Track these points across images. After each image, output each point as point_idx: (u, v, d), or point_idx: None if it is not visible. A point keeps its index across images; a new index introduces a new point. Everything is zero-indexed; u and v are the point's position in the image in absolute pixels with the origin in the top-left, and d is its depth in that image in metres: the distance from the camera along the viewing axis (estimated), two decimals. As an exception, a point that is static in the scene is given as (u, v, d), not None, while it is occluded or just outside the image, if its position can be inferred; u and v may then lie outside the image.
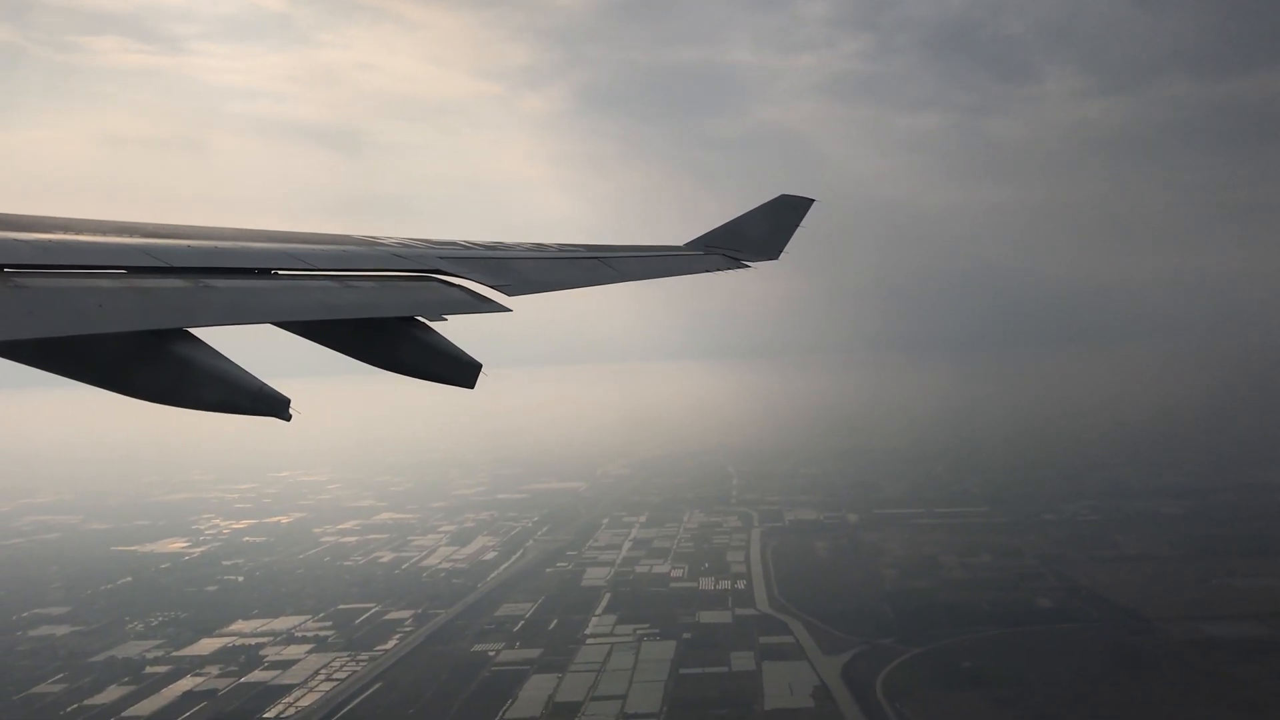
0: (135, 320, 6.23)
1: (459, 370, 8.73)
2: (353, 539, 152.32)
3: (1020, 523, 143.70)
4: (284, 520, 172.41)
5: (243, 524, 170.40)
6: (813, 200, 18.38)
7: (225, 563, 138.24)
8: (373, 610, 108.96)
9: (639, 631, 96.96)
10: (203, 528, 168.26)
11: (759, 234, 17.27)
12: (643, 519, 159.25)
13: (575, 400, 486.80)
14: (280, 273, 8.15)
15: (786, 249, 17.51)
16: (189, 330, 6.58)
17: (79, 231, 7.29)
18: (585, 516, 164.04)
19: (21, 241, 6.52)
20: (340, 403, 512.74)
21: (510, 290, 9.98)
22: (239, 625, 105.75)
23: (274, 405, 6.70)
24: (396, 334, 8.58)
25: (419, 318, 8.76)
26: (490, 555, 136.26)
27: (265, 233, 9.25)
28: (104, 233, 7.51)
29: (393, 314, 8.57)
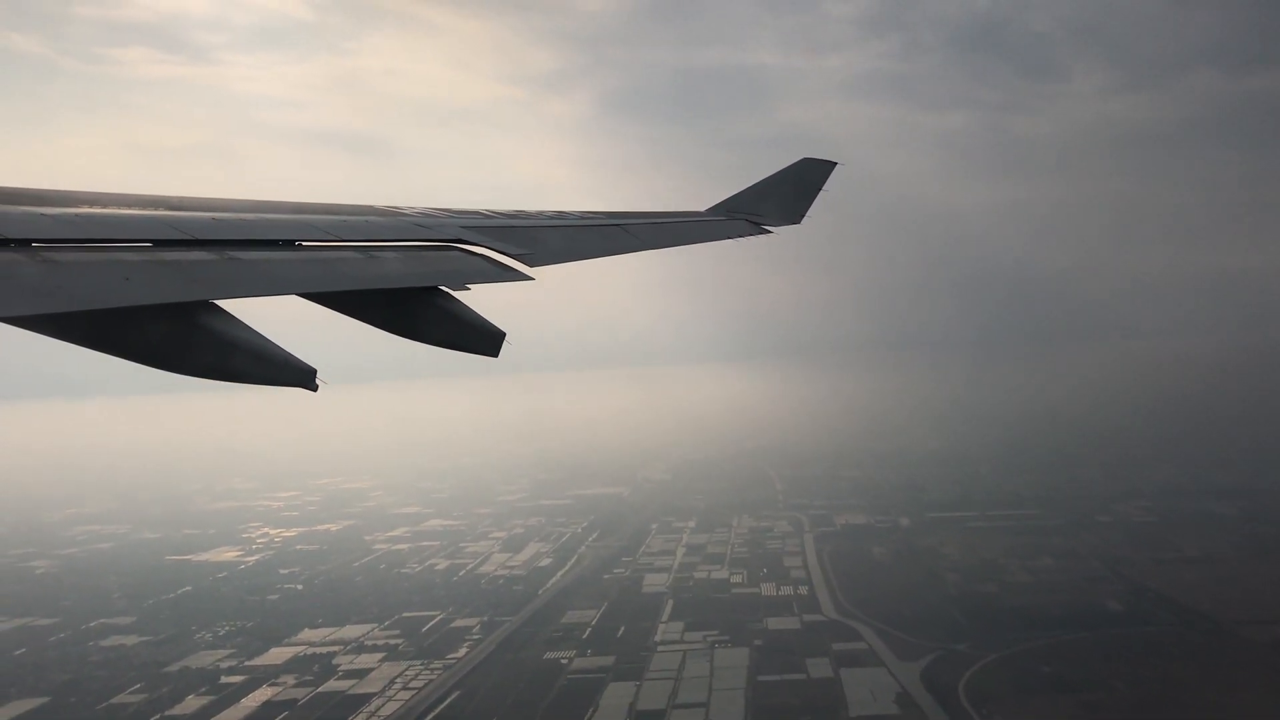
0: (162, 293, 6.29)
1: (483, 339, 8.71)
2: (405, 546, 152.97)
3: (1075, 524, 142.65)
4: (333, 528, 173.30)
5: (293, 532, 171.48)
6: (835, 164, 18.01)
7: (282, 571, 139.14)
8: (438, 618, 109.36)
9: (709, 638, 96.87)
10: (253, 536, 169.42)
11: (781, 198, 16.98)
12: (692, 524, 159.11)
13: (605, 404, 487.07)
14: (304, 244, 8.21)
15: (809, 214, 17.14)
16: (215, 302, 6.63)
17: (105, 205, 7.34)
18: (633, 522, 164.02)
19: (49, 216, 6.58)
20: (370, 409, 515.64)
21: (532, 260, 10.00)
22: (307, 634, 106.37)
23: (301, 375, 6.73)
24: (420, 303, 8.60)
25: (442, 287, 8.75)
26: (545, 562, 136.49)
27: (288, 204, 9.27)
28: (129, 206, 7.57)
29: (416, 284, 8.58)
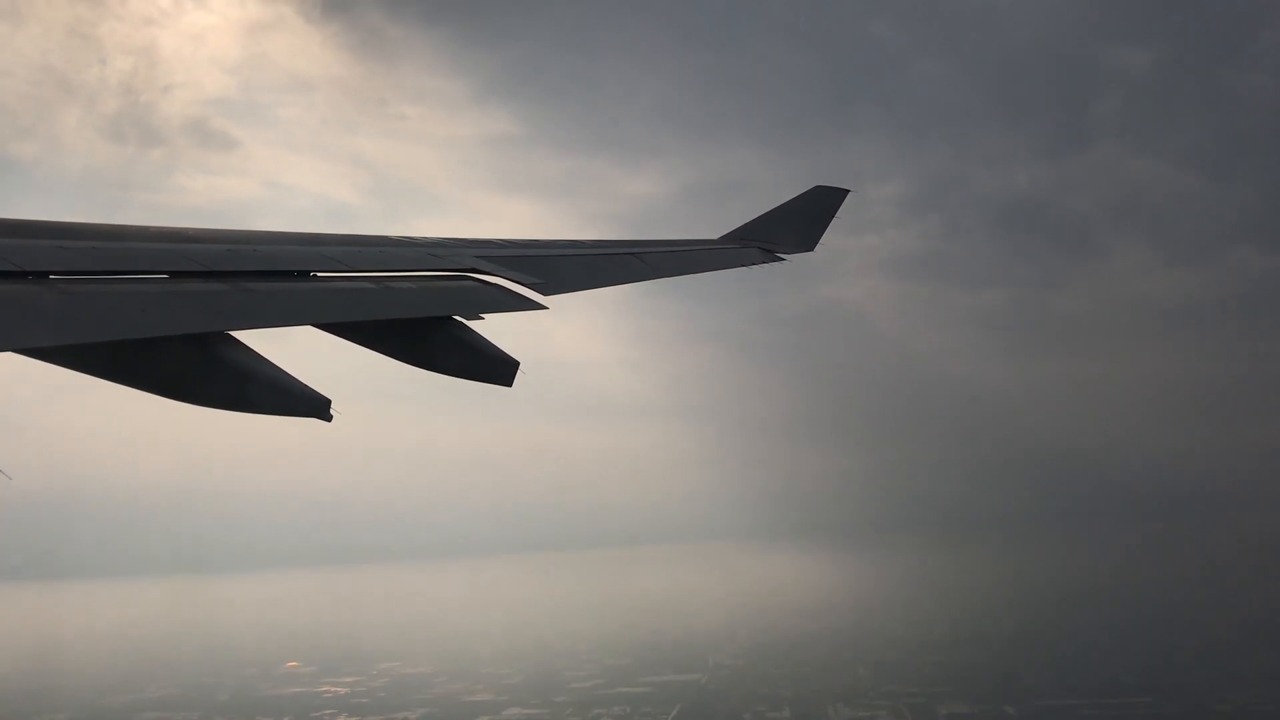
0: (177, 324, 6.40)
1: (497, 369, 8.63)
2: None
3: (1196, 713, 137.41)
4: (411, 717, 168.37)
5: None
6: (848, 191, 17.97)
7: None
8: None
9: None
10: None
11: (795, 226, 16.78)
12: (786, 714, 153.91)
13: (648, 583, 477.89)
14: (318, 274, 8.29)
15: (823, 240, 17.03)
16: (230, 333, 6.67)
17: (121, 238, 7.44)
18: (723, 710, 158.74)
19: (66, 249, 6.65)
20: (410, 589, 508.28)
21: (546, 289, 9.97)
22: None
23: (316, 407, 6.71)
24: (434, 333, 8.59)
25: (456, 317, 8.72)
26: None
27: (302, 235, 9.32)
28: (145, 239, 7.66)
29: (430, 314, 8.60)
